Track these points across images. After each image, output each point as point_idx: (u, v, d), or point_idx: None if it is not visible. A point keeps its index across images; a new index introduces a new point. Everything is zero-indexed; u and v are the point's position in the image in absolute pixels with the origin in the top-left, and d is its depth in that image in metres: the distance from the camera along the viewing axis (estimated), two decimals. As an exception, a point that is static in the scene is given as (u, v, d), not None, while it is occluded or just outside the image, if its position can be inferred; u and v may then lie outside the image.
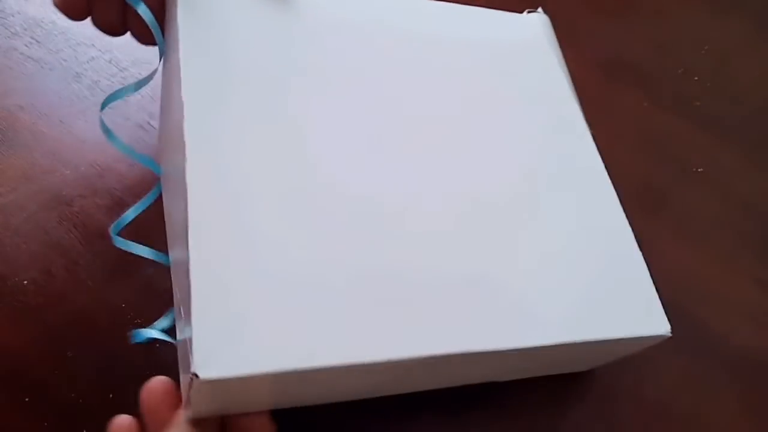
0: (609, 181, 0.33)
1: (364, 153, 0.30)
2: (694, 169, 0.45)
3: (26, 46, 0.43)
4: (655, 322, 0.30)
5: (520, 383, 0.35)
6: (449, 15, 0.37)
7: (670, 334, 0.29)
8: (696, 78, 0.50)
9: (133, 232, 0.32)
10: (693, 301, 0.38)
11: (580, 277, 0.30)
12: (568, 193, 0.32)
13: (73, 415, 0.31)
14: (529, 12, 0.40)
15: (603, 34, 0.53)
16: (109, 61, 0.44)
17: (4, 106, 0.40)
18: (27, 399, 0.32)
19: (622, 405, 0.35)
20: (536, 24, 0.39)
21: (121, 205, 0.37)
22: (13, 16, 0.45)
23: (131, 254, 0.31)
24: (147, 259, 0.31)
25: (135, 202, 0.32)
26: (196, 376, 0.22)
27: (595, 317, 0.29)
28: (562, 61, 0.38)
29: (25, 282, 0.34)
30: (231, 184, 0.27)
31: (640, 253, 0.31)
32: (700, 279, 0.39)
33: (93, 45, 0.44)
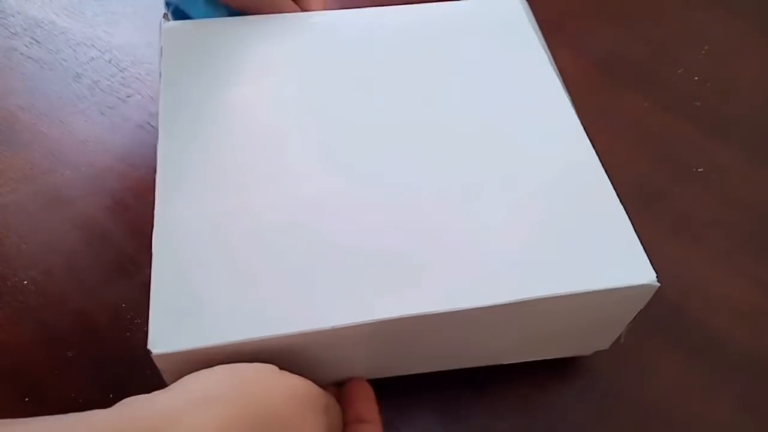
0: (588, 142, 0.34)
1: (329, 127, 0.32)
2: (694, 169, 0.45)
3: (26, 46, 0.43)
4: (640, 272, 0.28)
5: (520, 383, 0.35)
6: (428, 16, 0.39)
7: (658, 284, 0.28)
8: (696, 78, 0.50)
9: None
10: (693, 301, 0.38)
11: (560, 232, 0.29)
12: (548, 152, 0.33)
13: (73, 415, 0.31)
14: None
15: (603, 34, 0.53)
16: (109, 61, 0.44)
17: (4, 106, 0.40)
18: (27, 399, 0.32)
19: (622, 405, 0.35)
20: (513, 4, 0.40)
21: (121, 205, 0.37)
22: (13, 16, 0.45)
23: (131, 254, 0.31)
24: (147, 259, 0.31)
25: (135, 202, 0.33)
26: (150, 352, 0.24)
27: (576, 270, 0.28)
28: (541, 38, 0.39)
29: (25, 282, 0.34)
30: (195, 166, 0.30)
31: (621, 207, 0.31)
32: (700, 279, 0.39)
33: (93, 45, 0.44)
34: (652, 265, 0.28)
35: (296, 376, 0.25)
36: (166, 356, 0.24)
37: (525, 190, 0.31)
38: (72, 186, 0.37)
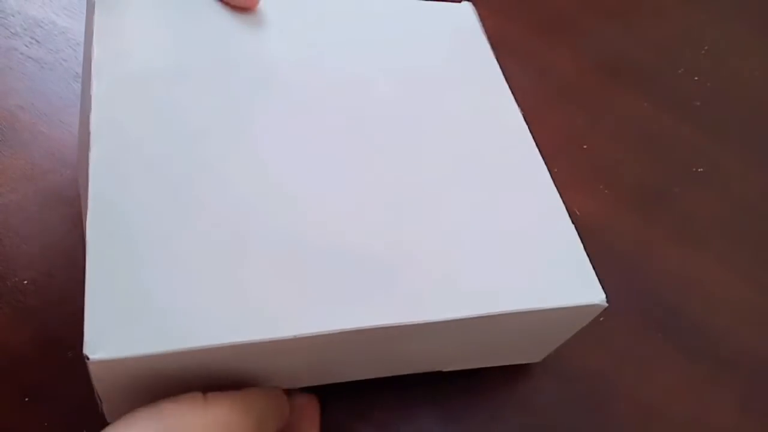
0: (541, 159, 0.33)
1: (279, 141, 0.30)
2: (694, 169, 0.45)
3: (26, 46, 0.43)
4: (590, 292, 0.29)
5: (519, 383, 0.35)
6: (382, 8, 0.37)
7: (606, 304, 0.29)
8: (696, 78, 0.50)
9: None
10: (693, 301, 0.38)
11: (514, 253, 0.29)
12: (502, 172, 0.32)
13: (73, 415, 0.31)
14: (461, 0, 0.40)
15: (603, 34, 0.53)
16: (109, 61, 0.44)
17: (4, 106, 0.40)
18: (27, 399, 0.32)
19: (622, 405, 0.35)
20: (468, 13, 0.40)
21: (121, 205, 0.37)
22: (13, 16, 0.45)
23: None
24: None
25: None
26: (87, 358, 0.21)
27: (528, 290, 0.28)
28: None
29: (25, 282, 0.34)
30: (133, 169, 0.26)
31: (572, 226, 0.31)
32: (700, 279, 0.39)
33: (93, 45, 0.44)
34: (602, 287, 0.29)
35: (227, 401, 0.24)
36: (105, 363, 0.22)
37: (479, 209, 0.30)
38: (72, 186, 0.37)
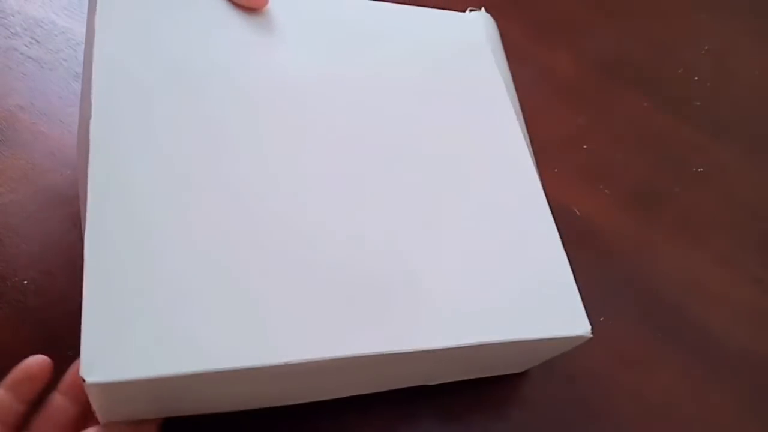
0: (539, 183, 0.33)
1: (278, 154, 0.29)
2: (694, 169, 0.45)
3: (26, 46, 0.43)
4: (576, 323, 0.29)
5: (519, 383, 0.35)
6: (386, 16, 0.36)
7: (591, 335, 0.29)
8: (696, 78, 0.50)
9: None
10: (693, 301, 0.38)
11: (503, 279, 0.29)
12: (497, 195, 0.32)
13: (73, 415, 0.31)
14: (471, 11, 0.39)
15: (603, 34, 0.53)
16: (109, 61, 0.44)
17: (4, 106, 0.40)
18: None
19: (622, 405, 0.35)
20: (476, 23, 0.38)
21: (121, 205, 0.37)
22: (13, 16, 0.45)
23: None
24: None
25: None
26: (83, 380, 0.22)
27: (515, 318, 0.28)
28: (503, 60, 0.38)
29: (25, 282, 0.34)
30: (132, 186, 0.26)
31: (564, 255, 0.31)
32: (700, 279, 0.39)
33: (93, 45, 0.44)
34: (588, 318, 0.30)
35: None
36: (100, 385, 0.22)
37: (471, 235, 0.30)
38: (72, 186, 0.37)
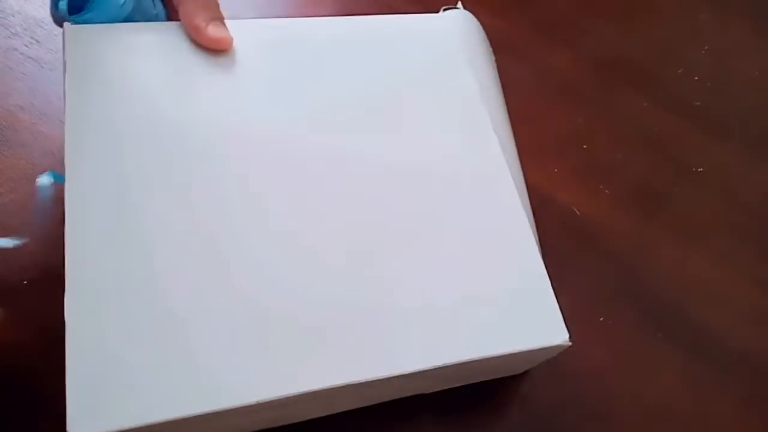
0: (513, 187, 0.32)
1: (255, 183, 0.30)
2: (694, 169, 0.45)
3: (26, 46, 0.43)
4: (553, 333, 0.29)
5: (519, 383, 0.35)
6: (353, 30, 0.36)
7: (569, 344, 0.29)
8: (696, 78, 0.50)
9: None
10: (693, 301, 0.38)
11: (478, 294, 0.29)
12: (471, 203, 0.31)
13: (73, 415, 0.31)
14: (445, 10, 0.38)
15: (603, 33, 0.53)
16: (109, 61, 0.44)
17: (4, 106, 0.40)
18: (27, 399, 0.32)
19: (622, 405, 0.35)
20: (447, 23, 0.37)
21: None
22: (13, 16, 0.45)
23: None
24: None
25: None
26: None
27: (491, 334, 0.28)
28: (487, 57, 0.37)
29: (25, 282, 0.34)
30: (111, 229, 0.28)
31: (542, 263, 0.31)
32: (700, 279, 0.39)
33: (93, 45, 0.44)
34: (567, 327, 0.29)
35: None
36: None
37: (445, 250, 0.30)
38: (72, 186, 0.37)
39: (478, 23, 0.39)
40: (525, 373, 0.35)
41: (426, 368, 0.27)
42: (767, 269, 0.40)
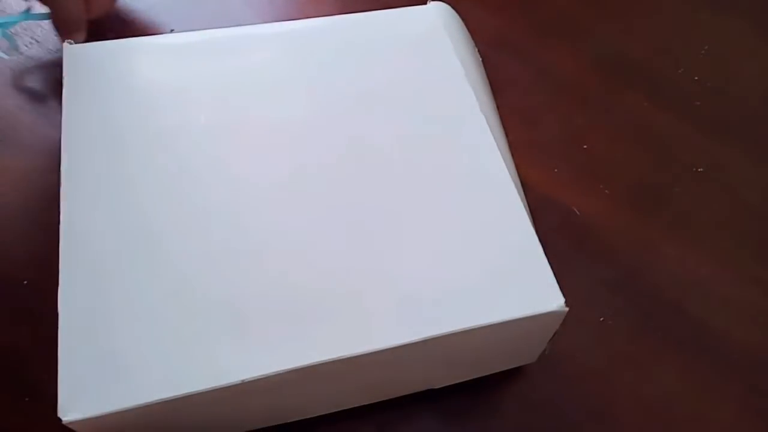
0: (502, 161, 0.33)
1: (243, 172, 0.31)
2: (694, 169, 0.45)
3: (26, 46, 0.43)
4: (549, 298, 0.28)
5: (519, 383, 0.35)
6: (338, 27, 0.37)
7: (566, 309, 0.28)
8: (696, 78, 0.50)
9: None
10: (693, 301, 0.38)
11: (468, 260, 0.29)
12: (462, 180, 0.32)
13: (73, 415, 0.31)
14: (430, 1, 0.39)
15: (603, 33, 0.53)
16: (109, 61, 0.44)
17: (4, 106, 0.40)
18: (27, 399, 0.32)
19: (622, 405, 0.35)
20: (430, 14, 0.38)
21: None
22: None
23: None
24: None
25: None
26: (61, 420, 0.24)
27: (488, 301, 0.28)
28: (470, 47, 0.38)
29: (25, 282, 0.34)
30: (105, 218, 0.29)
31: (533, 232, 0.30)
32: (700, 279, 0.39)
33: (93, 45, 0.44)
34: (561, 291, 0.29)
35: None
36: (80, 423, 0.24)
37: (436, 222, 0.30)
38: (72, 186, 0.37)
39: (457, 15, 0.40)
40: (525, 372, 0.35)
41: (419, 339, 0.27)
42: (767, 269, 0.40)
